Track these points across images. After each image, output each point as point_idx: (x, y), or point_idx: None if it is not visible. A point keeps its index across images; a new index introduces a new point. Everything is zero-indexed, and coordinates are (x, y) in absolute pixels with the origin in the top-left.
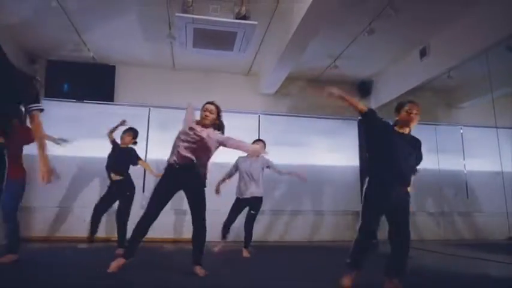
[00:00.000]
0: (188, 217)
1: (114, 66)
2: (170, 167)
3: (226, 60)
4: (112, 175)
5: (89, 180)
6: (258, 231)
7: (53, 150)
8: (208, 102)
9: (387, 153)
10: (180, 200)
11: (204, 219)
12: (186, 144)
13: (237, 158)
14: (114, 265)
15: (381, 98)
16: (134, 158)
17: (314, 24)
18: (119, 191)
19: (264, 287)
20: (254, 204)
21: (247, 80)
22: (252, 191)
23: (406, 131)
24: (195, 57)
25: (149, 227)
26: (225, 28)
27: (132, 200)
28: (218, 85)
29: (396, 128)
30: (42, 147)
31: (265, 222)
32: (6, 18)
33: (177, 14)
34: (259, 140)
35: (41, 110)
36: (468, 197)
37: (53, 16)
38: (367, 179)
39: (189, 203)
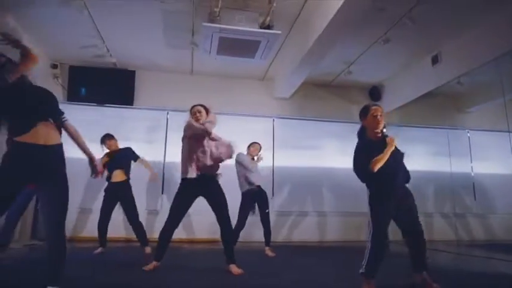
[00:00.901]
0: (197, 218)
1: (134, 71)
2: (189, 180)
3: (243, 66)
4: (114, 175)
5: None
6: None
7: (74, 153)
8: (194, 105)
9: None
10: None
11: (229, 218)
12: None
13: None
14: (150, 266)
15: (391, 103)
16: (133, 154)
17: (335, 34)
18: (121, 193)
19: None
20: (261, 196)
21: (262, 85)
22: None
23: (379, 135)
24: (213, 63)
25: (173, 232)
26: (249, 37)
27: (134, 199)
28: (234, 90)
29: (371, 138)
30: (87, 149)
31: (277, 222)
32: (31, 24)
33: (204, 24)
34: (255, 143)
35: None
36: (476, 199)
37: (79, 23)
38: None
39: (213, 206)
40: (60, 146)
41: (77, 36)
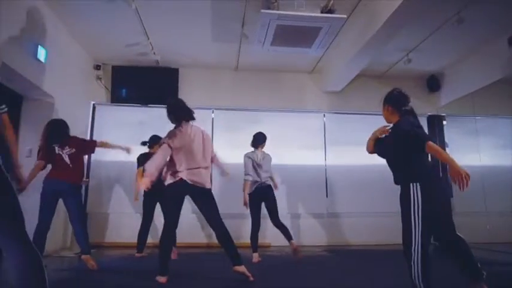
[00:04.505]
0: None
1: (177, 69)
2: (184, 183)
3: (290, 59)
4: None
5: None
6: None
7: (116, 156)
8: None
9: None
10: None
11: (221, 219)
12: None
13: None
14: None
15: (453, 93)
16: None
17: (404, 18)
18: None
19: None
20: (268, 194)
21: (311, 78)
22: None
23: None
24: (259, 58)
25: None
26: (310, 23)
27: None
28: (281, 84)
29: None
30: (15, 153)
31: (331, 224)
32: (75, 22)
33: (262, 11)
34: (260, 132)
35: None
36: None
37: (124, 19)
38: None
39: (202, 209)
40: None
41: (122, 34)
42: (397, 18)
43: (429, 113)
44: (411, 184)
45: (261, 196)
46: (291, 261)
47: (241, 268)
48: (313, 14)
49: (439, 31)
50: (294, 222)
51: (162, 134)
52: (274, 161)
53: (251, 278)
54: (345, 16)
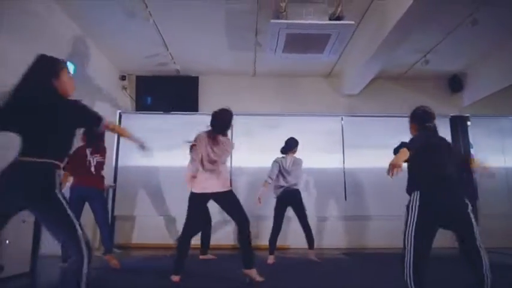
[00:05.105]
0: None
1: (197, 77)
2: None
3: (307, 64)
4: None
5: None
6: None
7: (147, 162)
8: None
9: None
10: None
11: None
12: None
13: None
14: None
15: (476, 93)
16: None
17: (416, 19)
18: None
19: None
20: (294, 198)
21: (328, 82)
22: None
23: None
24: (276, 63)
25: None
26: (318, 31)
27: None
28: (298, 89)
29: None
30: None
31: (349, 227)
32: (101, 36)
33: (271, 21)
34: (291, 138)
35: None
36: None
37: (144, 33)
38: None
39: (227, 209)
40: None
41: (143, 46)
42: (407, 20)
43: (452, 114)
44: (412, 193)
45: (288, 200)
46: (305, 262)
47: (251, 272)
48: (321, 22)
49: (455, 32)
50: (313, 224)
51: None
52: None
53: (258, 279)
54: (353, 22)
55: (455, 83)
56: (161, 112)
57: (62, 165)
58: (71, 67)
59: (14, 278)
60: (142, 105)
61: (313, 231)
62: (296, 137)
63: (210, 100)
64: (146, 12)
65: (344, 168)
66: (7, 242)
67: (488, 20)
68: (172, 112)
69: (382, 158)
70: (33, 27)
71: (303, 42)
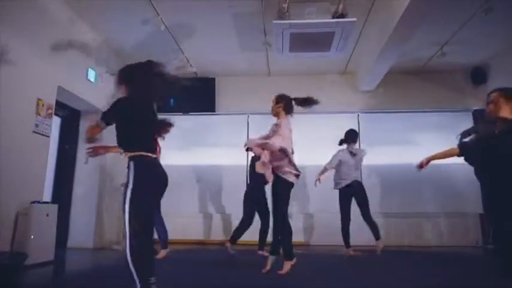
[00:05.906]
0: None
1: (214, 79)
2: None
3: (321, 61)
4: None
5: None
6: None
7: (172, 160)
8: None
9: None
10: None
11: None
12: None
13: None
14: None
15: (501, 85)
16: None
17: (419, 12)
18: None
19: None
20: (357, 189)
21: (343, 79)
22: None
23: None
24: (289, 62)
25: None
26: (322, 29)
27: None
28: (314, 86)
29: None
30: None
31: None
32: (119, 44)
33: (274, 21)
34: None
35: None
36: None
37: (159, 39)
38: None
39: None
40: None
41: (159, 51)
42: (413, 11)
43: (475, 108)
44: None
45: (351, 191)
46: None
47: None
48: (322, 20)
49: (469, 23)
50: (327, 222)
51: (203, 140)
52: (310, 162)
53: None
54: (355, 19)
55: (477, 75)
56: (180, 113)
57: None
58: (92, 73)
59: (38, 266)
60: (164, 107)
61: (333, 229)
62: (312, 135)
63: (226, 100)
64: (158, 18)
65: (361, 165)
66: (32, 237)
67: (505, 7)
68: (190, 113)
69: (402, 154)
70: (54, 36)
71: (308, 40)
